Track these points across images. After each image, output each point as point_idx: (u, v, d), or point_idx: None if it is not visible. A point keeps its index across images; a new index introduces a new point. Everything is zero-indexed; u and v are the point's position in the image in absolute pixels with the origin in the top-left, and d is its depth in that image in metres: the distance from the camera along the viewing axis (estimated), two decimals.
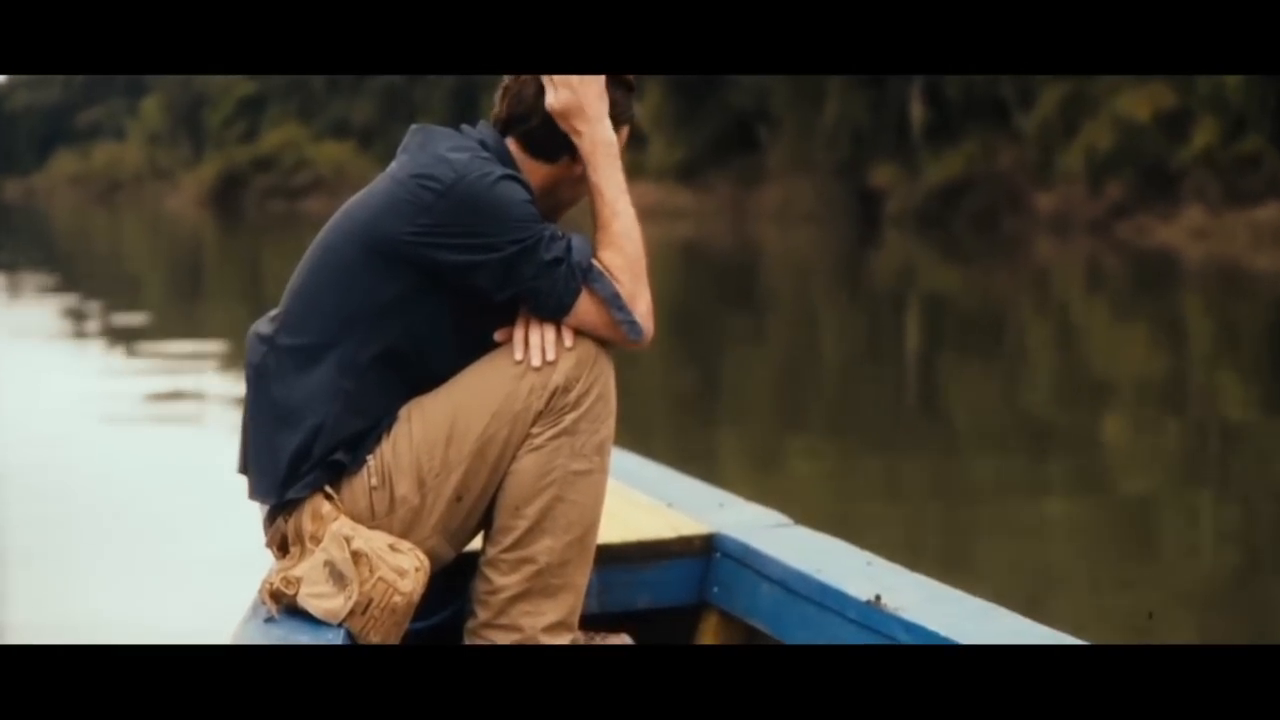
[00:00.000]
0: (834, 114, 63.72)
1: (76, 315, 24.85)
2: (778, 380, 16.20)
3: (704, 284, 34.48)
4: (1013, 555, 8.14)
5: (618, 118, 3.47)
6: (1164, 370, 17.43)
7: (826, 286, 34.21)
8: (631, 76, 3.57)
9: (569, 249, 3.26)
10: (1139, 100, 51.19)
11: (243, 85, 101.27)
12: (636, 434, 7.57)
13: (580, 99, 3.33)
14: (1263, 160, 48.26)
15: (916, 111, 62.71)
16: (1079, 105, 56.01)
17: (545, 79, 3.35)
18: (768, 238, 59.94)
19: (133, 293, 30.98)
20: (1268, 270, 38.29)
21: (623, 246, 3.36)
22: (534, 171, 3.39)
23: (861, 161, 62.86)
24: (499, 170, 3.22)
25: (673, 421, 13.17)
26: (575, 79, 3.33)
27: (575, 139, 3.38)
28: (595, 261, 3.31)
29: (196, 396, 13.92)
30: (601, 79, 3.40)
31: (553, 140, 3.40)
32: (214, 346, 17.73)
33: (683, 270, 39.18)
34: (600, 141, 3.37)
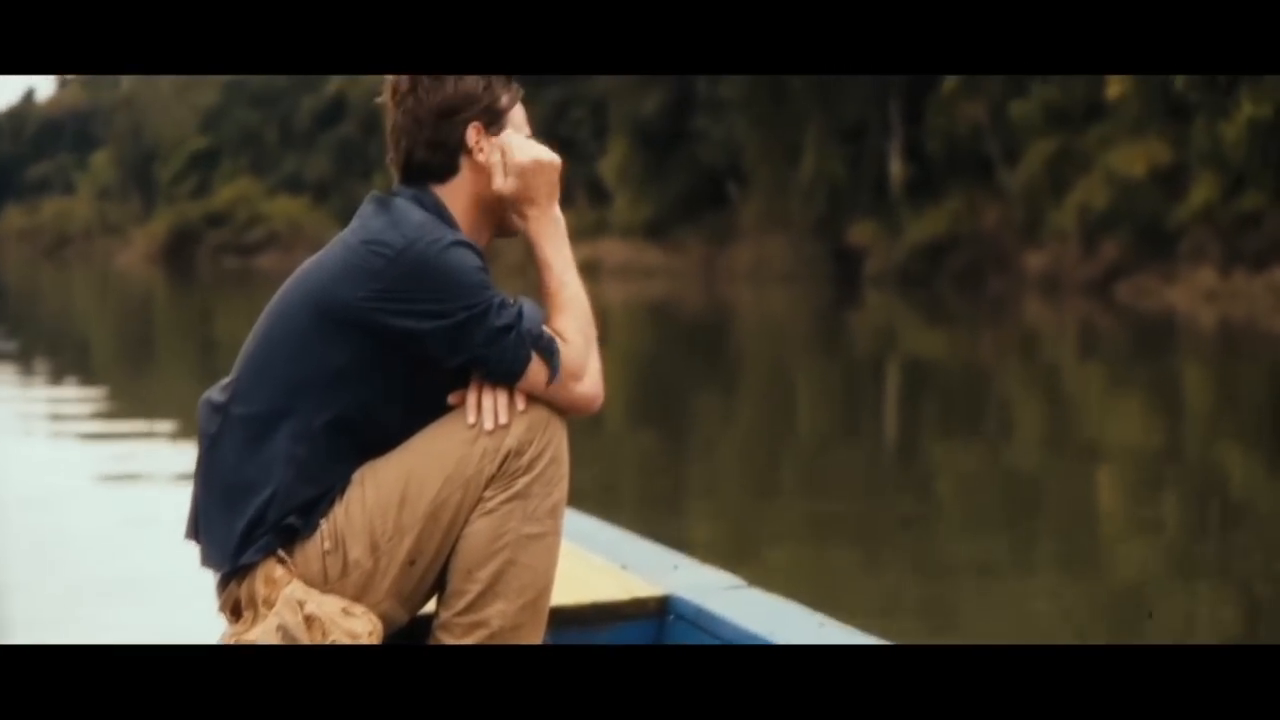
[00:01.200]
0: (810, 170, 61.82)
1: (20, 379, 23.66)
2: (750, 445, 15.93)
3: (675, 345, 33.69)
4: (993, 632, 7.79)
5: (493, 112, 3.44)
6: (1161, 439, 16.98)
7: (803, 348, 33.47)
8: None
9: (519, 315, 3.25)
10: (1134, 156, 49.24)
11: (195, 139, 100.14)
12: (603, 499, 7.81)
13: (530, 191, 3.38)
14: (1264, 218, 46.31)
15: (896, 167, 60.84)
16: (1068, 161, 54.11)
17: (496, 164, 3.37)
18: (741, 297, 58.41)
19: (80, 356, 29.72)
20: (1269, 333, 37.05)
21: (573, 313, 3.37)
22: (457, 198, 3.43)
23: (839, 219, 61.02)
24: (450, 236, 3.23)
25: (641, 487, 12.99)
26: (529, 165, 3.38)
27: (520, 220, 3.42)
28: (546, 328, 3.31)
29: (146, 466, 13.26)
30: (555, 165, 3.43)
31: (445, 156, 3.40)
32: (163, 415, 17.13)
33: (653, 331, 38.72)
34: (548, 222, 3.42)
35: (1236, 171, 46.61)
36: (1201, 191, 47.17)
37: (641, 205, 73.53)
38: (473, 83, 3.41)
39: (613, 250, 71.71)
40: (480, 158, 3.40)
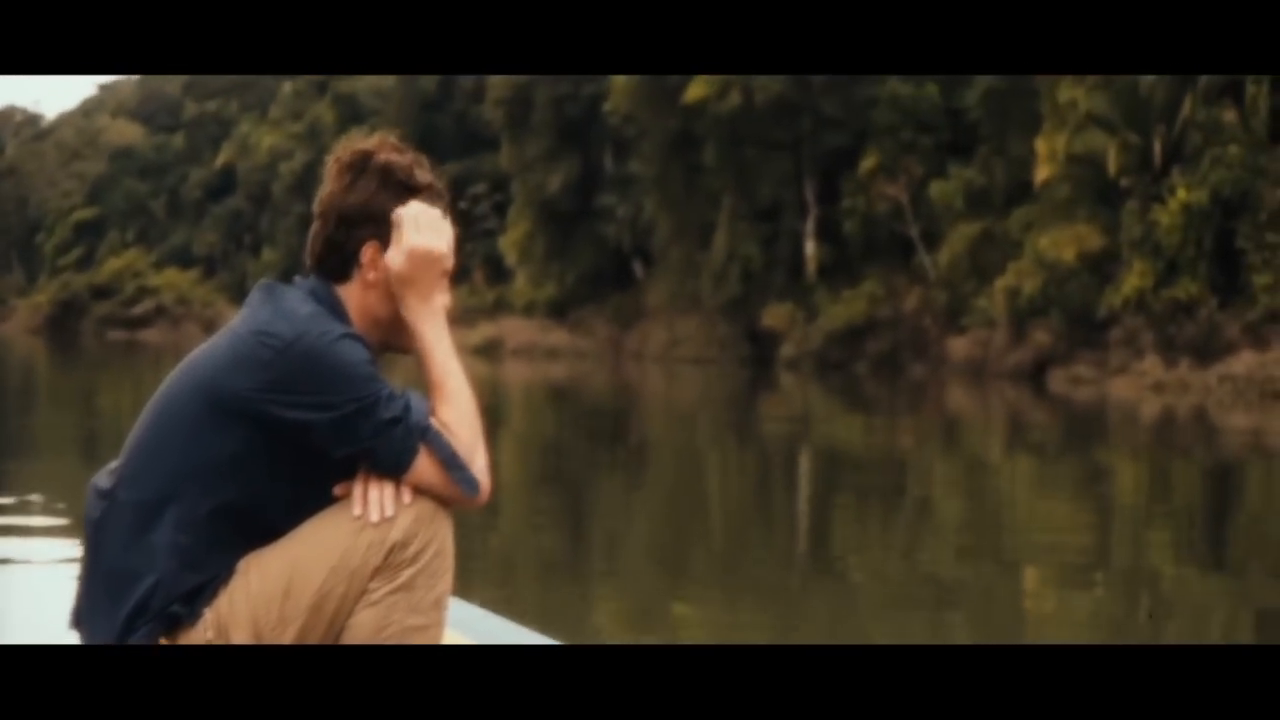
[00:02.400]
0: (723, 250, 59.40)
1: None
2: (657, 534, 15.48)
3: (579, 429, 32.19)
4: None
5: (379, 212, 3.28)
6: (1083, 529, 16.54)
7: (714, 433, 32.16)
8: (418, 178, 3.35)
9: (406, 408, 3.17)
10: (1063, 240, 47.20)
11: (80, 210, 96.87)
12: (503, 590, 8.16)
13: (416, 276, 3.27)
14: (1197, 306, 44.45)
15: (811, 248, 58.55)
16: (992, 245, 52.15)
17: (395, 242, 3.26)
18: (650, 380, 56.40)
19: None
20: (1200, 422, 35.52)
21: (459, 405, 3.26)
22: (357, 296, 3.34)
23: (752, 301, 58.61)
24: (338, 329, 3.16)
25: (542, 577, 12.36)
26: (423, 254, 3.27)
27: (401, 303, 3.29)
28: (432, 420, 3.21)
29: (20, 551, 11.92)
30: (447, 258, 3.31)
31: (339, 259, 3.30)
32: (44, 501, 15.71)
33: (556, 414, 37.61)
34: (429, 312, 3.31)
35: (1170, 258, 44.78)
36: (1133, 278, 45.30)
37: (544, 284, 71.05)
38: (387, 200, 3.26)
39: (515, 330, 68.89)
40: (371, 276, 3.26)
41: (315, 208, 3.30)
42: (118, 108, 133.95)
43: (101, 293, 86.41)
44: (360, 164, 3.28)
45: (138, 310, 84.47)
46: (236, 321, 3.22)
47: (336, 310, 3.23)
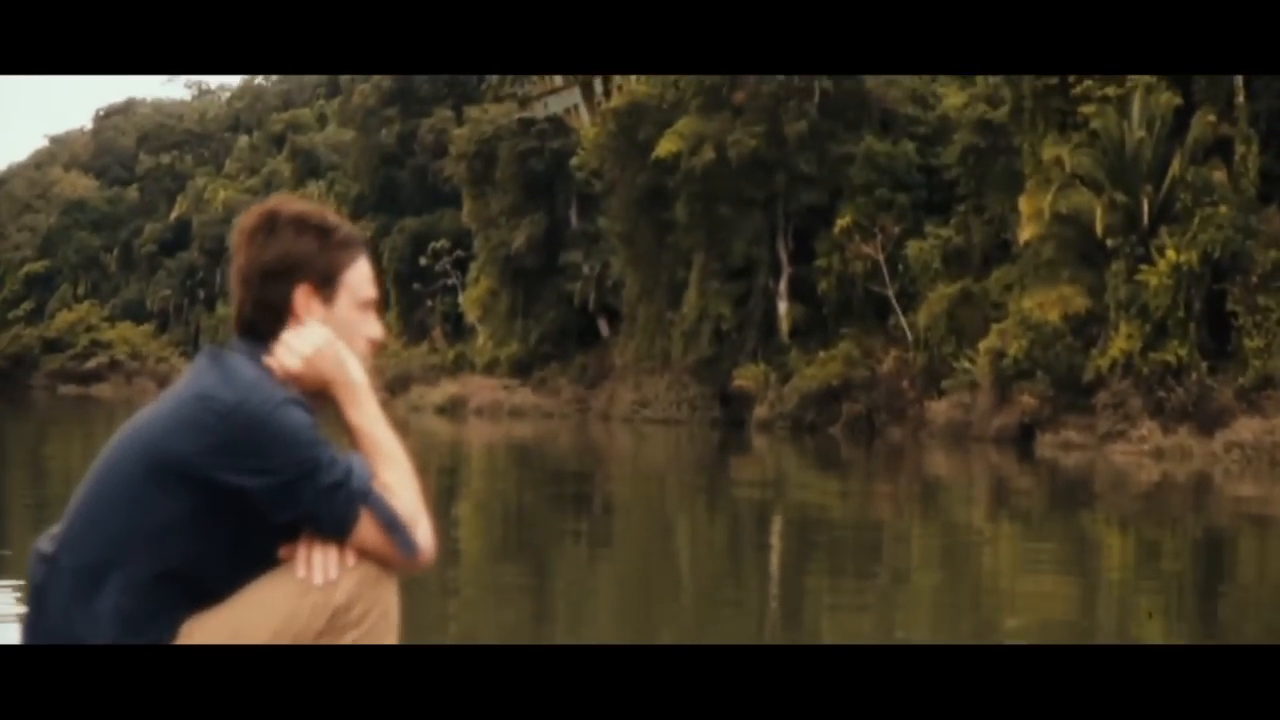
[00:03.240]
0: (694, 309, 57.67)
1: None
2: (623, 606, 15.18)
3: (543, 492, 31.24)
4: None
5: (315, 267, 3.27)
6: (1065, 600, 16.19)
7: (683, 497, 31.58)
8: (329, 222, 3.33)
9: (349, 473, 3.15)
10: (1048, 301, 45.72)
11: (30, 263, 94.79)
12: None
13: (321, 375, 3.22)
14: (1187, 371, 43.04)
15: (785, 308, 56.89)
16: (971, 305, 50.73)
17: (282, 342, 3.24)
18: (618, 441, 54.80)
19: None
20: (1204, 489, 34.34)
21: (398, 470, 3.23)
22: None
23: (724, 361, 56.89)
24: (280, 394, 3.14)
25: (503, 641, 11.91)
26: (311, 357, 3.21)
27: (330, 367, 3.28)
28: (374, 484, 3.18)
29: None
30: (332, 346, 3.23)
31: (271, 314, 3.26)
32: None
33: (519, 476, 36.72)
34: (347, 390, 3.27)
35: (1158, 321, 43.36)
36: (1121, 341, 43.82)
37: (508, 341, 69.20)
38: (308, 244, 3.25)
39: (478, 388, 66.92)
40: (307, 320, 3.26)
41: (236, 278, 3.27)
42: (70, 160, 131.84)
43: (53, 346, 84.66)
44: (269, 221, 3.26)
45: (90, 365, 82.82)
46: (181, 385, 3.20)
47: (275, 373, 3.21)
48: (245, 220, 3.31)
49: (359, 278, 3.31)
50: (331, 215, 3.36)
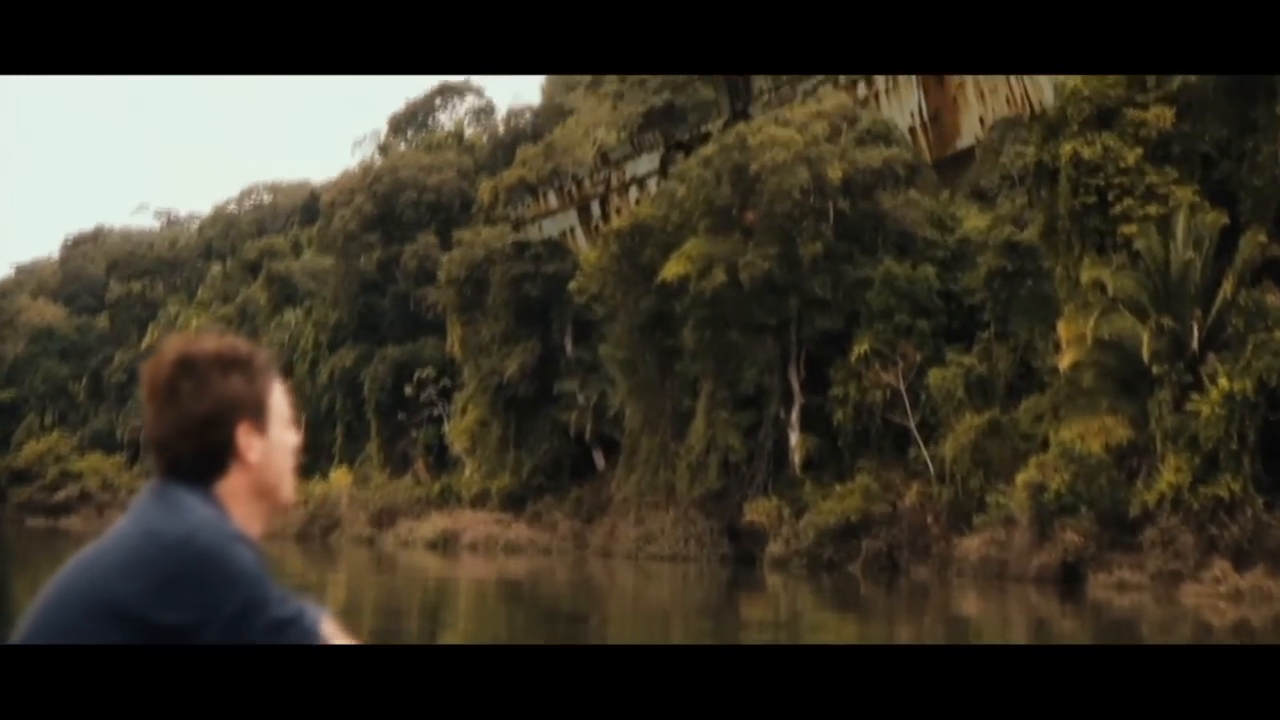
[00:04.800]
0: (700, 440, 54.63)
1: None
2: None
3: (535, 634, 29.98)
4: None
5: (238, 406, 3.25)
6: None
7: (688, 640, 30.05)
8: (245, 353, 3.30)
9: (300, 611, 3.15)
10: (1090, 432, 42.93)
11: None
12: None
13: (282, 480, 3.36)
14: (1241, 505, 40.19)
15: (797, 439, 53.91)
16: (1000, 437, 47.89)
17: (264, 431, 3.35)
18: (619, 578, 51.64)
19: None
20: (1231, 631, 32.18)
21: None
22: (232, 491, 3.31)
23: (734, 494, 53.79)
24: (230, 530, 3.13)
25: None
26: (281, 459, 3.34)
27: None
28: (324, 627, 3.19)
29: None
30: (295, 445, 3.37)
31: (214, 458, 3.24)
32: None
33: (510, 617, 35.32)
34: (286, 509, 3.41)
35: (1209, 452, 40.57)
36: (1169, 474, 40.98)
37: (499, 474, 65.91)
38: (237, 383, 3.26)
39: (470, 523, 63.63)
40: (252, 457, 3.25)
41: (166, 429, 3.19)
42: (37, 288, 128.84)
43: (20, 478, 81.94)
44: (189, 367, 3.20)
45: (60, 496, 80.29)
46: (126, 522, 3.17)
47: (220, 510, 3.20)
48: (158, 370, 3.21)
49: (279, 397, 3.31)
50: (241, 343, 3.31)
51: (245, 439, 3.21)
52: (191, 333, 3.31)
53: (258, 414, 3.24)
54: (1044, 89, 54.78)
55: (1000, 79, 56.18)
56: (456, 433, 71.20)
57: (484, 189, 78.84)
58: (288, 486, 3.32)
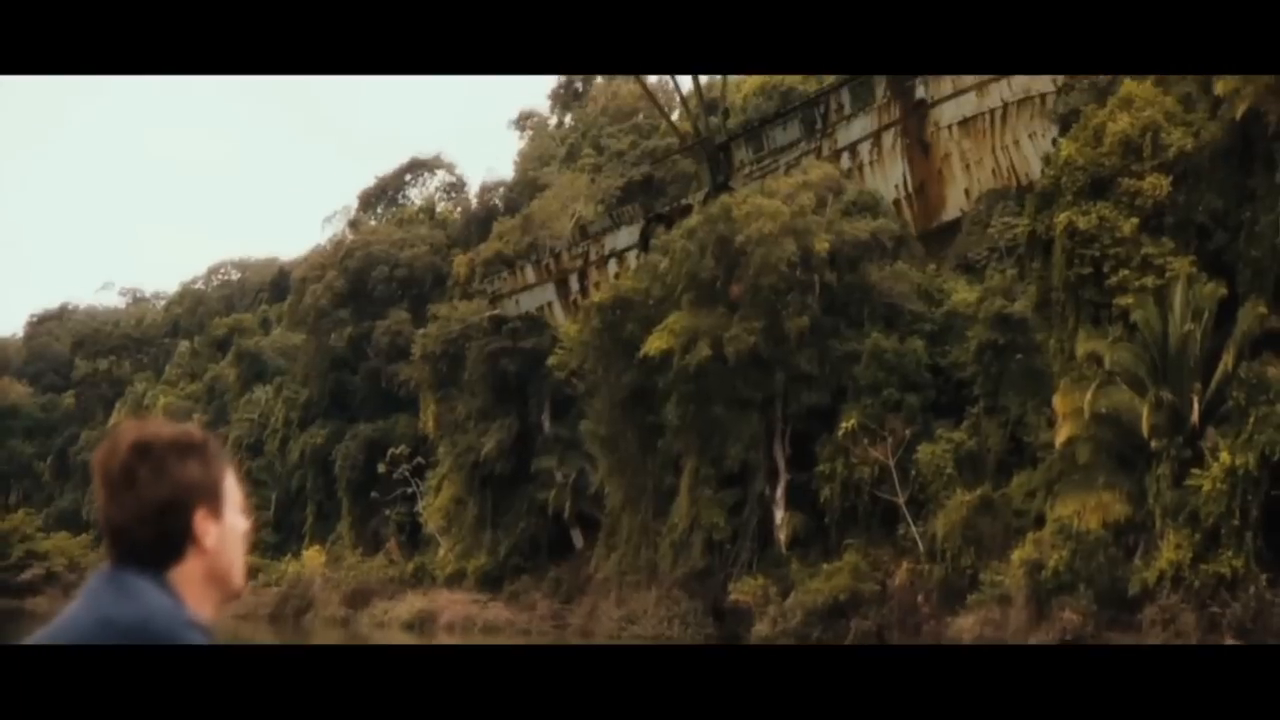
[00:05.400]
0: (684, 518, 53.27)
1: None
2: None
3: None
4: None
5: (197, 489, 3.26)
6: None
7: None
8: (199, 439, 3.34)
9: None
10: (1087, 508, 41.79)
11: None
12: None
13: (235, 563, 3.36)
14: (1243, 582, 39.05)
15: (782, 517, 52.56)
16: (992, 514, 46.73)
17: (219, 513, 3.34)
18: None
19: None
20: None
21: None
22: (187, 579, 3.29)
23: (718, 573, 52.64)
24: (185, 616, 3.14)
25: None
26: (235, 544, 3.33)
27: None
28: None
29: None
30: (247, 529, 3.37)
31: (171, 544, 3.24)
32: None
33: None
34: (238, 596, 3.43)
35: (1210, 528, 39.48)
36: (1169, 551, 39.84)
37: (475, 553, 64.42)
38: (194, 469, 3.27)
39: (446, 603, 61.96)
40: (209, 542, 3.26)
41: (123, 514, 3.20)
42: (2, 366, 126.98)
43: None
44: (145, 452, 3.21)
45: (25, 576, 78.73)
46: (77, 608, 3.13)
47: (174, 595, 3.18)
48: (114, 455, 3.20)
49: (231, 482, 3.32)
50: (195, 429, 3.32)
51: (202, 525, 3.22)
52: (143, 418, 3.27)
53: (213, 500, 3.25)
54: (1030, 161, 54.09)
55: (986, 151, 55.50)
56: (431, 511, 69.74)
57: (459, 263, 77.76)
58: (239, 572, 3.32)
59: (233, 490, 3.33)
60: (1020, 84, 54.00)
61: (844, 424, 50.13)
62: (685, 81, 65.42)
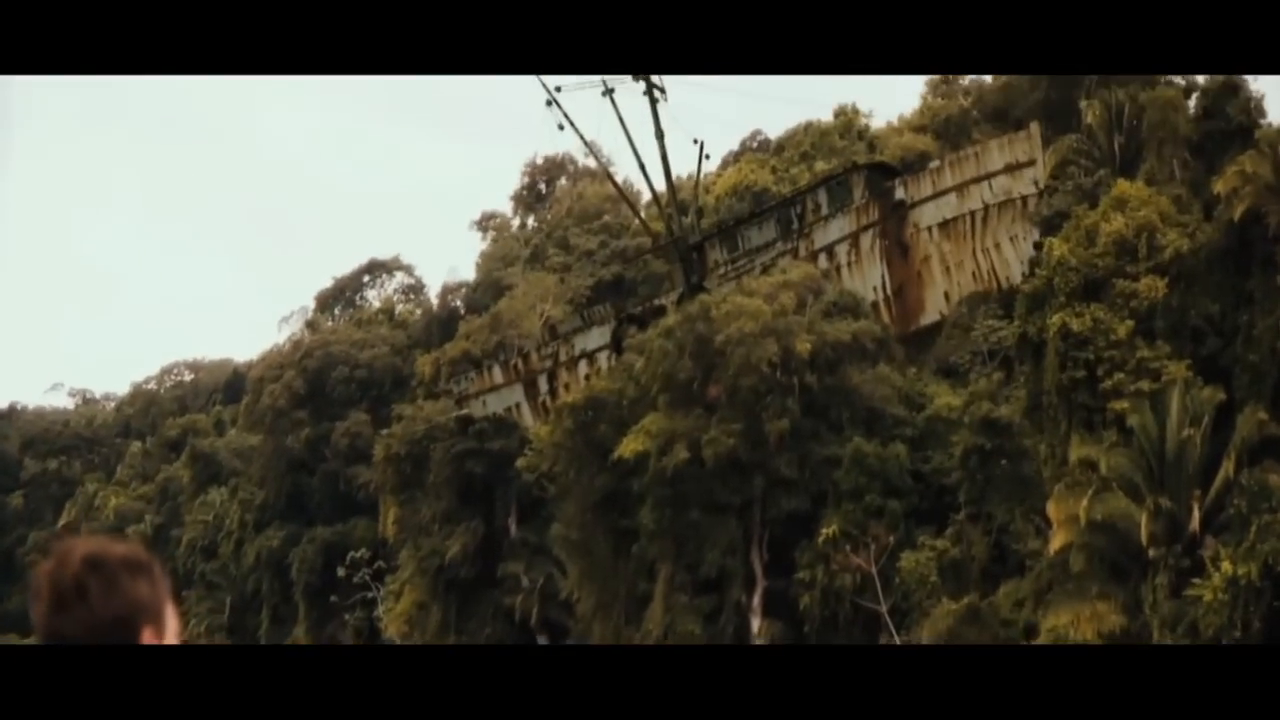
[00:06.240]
0: (658, 625, 51.23)
1: None
2: None
3: None
4: None
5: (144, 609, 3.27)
6: None
7: None
8: (147, 559, 3.34)
9: None
10: (1081, 619, 40.12)
11: None
12: None
13: None
14: None
15: (759, 625, 50.65)
16: (979, 623, 45.10)
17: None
18: None
19: None
20: None
21: None
22: None
23: None
24: None
25: None
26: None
27: None
28: None
29: None
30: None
31: None
32: None
33: None
34: None
35: (1212, 640, 38.02)
36: None
37: None
38: (144, 588, 3.27)
39: None
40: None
41: (75, 624, 3.19)
42: None
43: None
44: (96, 569, 3.19)
45: None
46: None
47: None
48: (63, 569, 3.18)
49: (171, 607, 3.32)
50: (141, 549, 3.31)
51: (150, 639, 3.24)
52: (89, 530, 3.71)
53: (158, 621, 3.26)
54: (1011, 265, 53.07)
55: (966, 254, 54.45)
56: (392, 617, 67.50)
57: (424, 363, 76.09)
58: None
59: (172, 614, 3.31)
60: (1001, 186, 53.10)
61: (825, 530, 48.50)
62: (659, 181, 64.33)
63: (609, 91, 61.88)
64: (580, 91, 62.49)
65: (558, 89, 62.82)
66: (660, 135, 62.46)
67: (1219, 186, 39.58)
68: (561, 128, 63.36)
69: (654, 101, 61.95)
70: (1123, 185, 42.31)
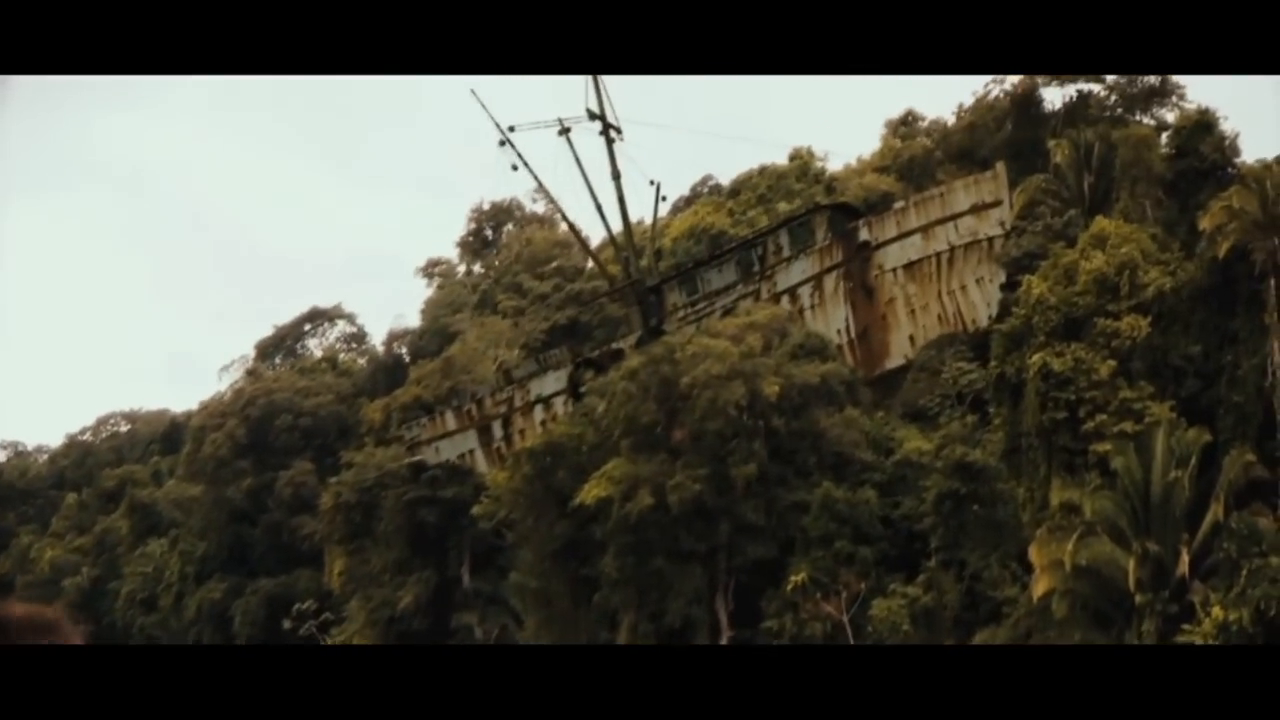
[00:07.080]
0: None
1: None
2: None
3: None
4: None
5: None
6: None
7: None
8: (53, 618, 3.23)
9: None
10: None
11: None
12: None
13: None
14: None
15: None
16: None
17: None
18: None
19: None
20: None
21: None
22: None
23: None
24: None
25: None
26: None
27: None
28: None
29: None
30: None
31: None
32: None
33: None
34: None
35: None
36: None
37: None
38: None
39: None
40: None
41: None
42: None
43: None
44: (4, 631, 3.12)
45: None
46: None
47: None
48: None
49: None
50: (48, 609, 3.24)
51: None
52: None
53: None
54: (978, 307, 51.83)
55: (932, 296, 53.14)
56: None
57: (373, 409, 73.97)
58: None
59: None
60: (967, 227, 51.89)
61: (793, 578, 46.82)
62: (615, 222, 62.88)
63: (565, 131, 60.41)
64: (534, 131, 61.04)
65: (511, 128, 61.31)
66: (617, 176, 61.05)
67: (1204, 222, 38.42)
68: (515, 168, 61.75)
69: (610, 141, 60.53)
70: (1102, 222, 41.15)
